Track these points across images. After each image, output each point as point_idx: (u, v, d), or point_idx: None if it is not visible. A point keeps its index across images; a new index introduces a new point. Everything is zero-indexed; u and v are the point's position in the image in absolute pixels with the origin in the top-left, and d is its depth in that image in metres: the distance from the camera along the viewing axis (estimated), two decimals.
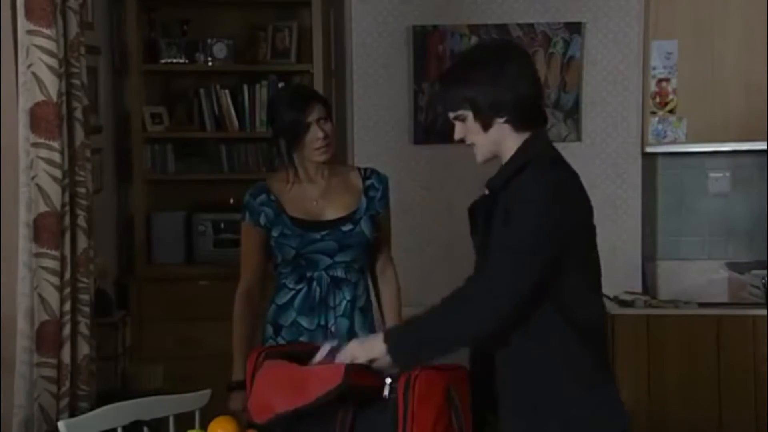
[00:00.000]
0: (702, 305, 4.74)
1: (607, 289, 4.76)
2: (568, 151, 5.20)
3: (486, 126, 2.58)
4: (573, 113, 5.30)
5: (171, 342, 5.12)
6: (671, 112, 5.24)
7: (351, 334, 3.35)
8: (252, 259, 3.44)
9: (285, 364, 2.64)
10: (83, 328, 3.51)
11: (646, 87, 5.24)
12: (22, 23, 3.27)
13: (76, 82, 3.48)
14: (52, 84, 3.28)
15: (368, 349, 2.53)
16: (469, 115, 2.58)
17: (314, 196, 3.42)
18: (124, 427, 2.96)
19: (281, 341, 3.37)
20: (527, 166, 2.54)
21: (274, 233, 3.38)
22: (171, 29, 5.41)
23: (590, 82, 5.29)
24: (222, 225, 5.24)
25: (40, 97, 3.28)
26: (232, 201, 5.24)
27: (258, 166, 5.30)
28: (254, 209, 3.40)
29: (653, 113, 5.25)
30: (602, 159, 5.31)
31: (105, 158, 5.05)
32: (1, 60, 3.48)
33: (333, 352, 2.57)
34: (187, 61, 5.27)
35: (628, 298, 4.79)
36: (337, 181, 3.45)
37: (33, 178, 3.30)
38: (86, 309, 3.53)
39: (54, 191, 3.31)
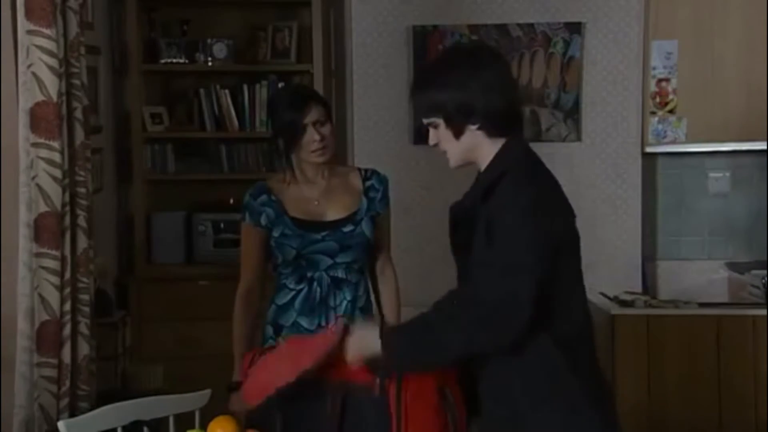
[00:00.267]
0: (702, 305, 4.74)
1: (607, 289, 4.82)
2: (568, 151, 5.31)
3: (458, 133, 2.51)
4: (573, 113, 5.30)
5: (171, 342, 5.13)
6: (671, 112, 5.24)
7: None
8: (252, 260, 3.43)
9: (280, 345, 2.65)
10: (83, 328, 3.51)
11: (646, 87, 5.24)
12: (22, 23, 3.27)
13: (76, 82, 3.48)
14: (52, 84, 3.28)
15: (364, 348, 2.50)
16: (441, 121, 2.52)
17: (315, 196, 3.42)
18: (124, 427, 2.95)
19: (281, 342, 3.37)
20: (505, 175, 2.47)
21: (275, 234, 3.37)
22: (171, 29, 5.41)
23: (590, 82, 5.29)
24: (222, 225, 5.24)
25: (40, 97, 3.28)
26: (232, 201, 5.24)
27: (258, 166, 5.30)
28: (255, 209, 3.40)
29: (653, 113, 5.25)
30: (602, 159, 5.31)
31: (105, 158, 5.05)
32: (1, 60, 3.48)
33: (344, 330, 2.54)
34: (187, 61, 5.27)
35: (628, 298, 4.79)
36: (337, 181, 3.45)
37: (33, 178, 3.30)
38: (86, 309, 3.53)
39: (54, 191, 3.31)
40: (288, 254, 3.36)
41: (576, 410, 2.45)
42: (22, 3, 3.26)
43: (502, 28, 5.27)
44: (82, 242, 3.50)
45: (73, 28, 3.45)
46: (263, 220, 3.39)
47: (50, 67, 3.27)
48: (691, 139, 5.24)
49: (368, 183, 3.46)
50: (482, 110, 2.48)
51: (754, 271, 5.09)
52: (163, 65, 5.29)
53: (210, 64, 5.26)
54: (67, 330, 3.40)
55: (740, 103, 5.16)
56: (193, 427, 2.95)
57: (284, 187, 3.42)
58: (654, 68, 5.23)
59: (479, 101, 2.47)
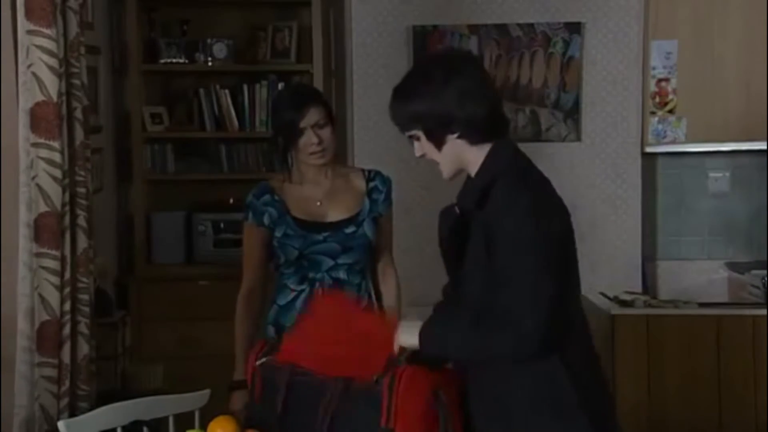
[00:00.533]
0: (702, 305, 4.73)
1: (607, 289, 4.81)
2: (568, 151, 5.31)
3: (439, 144, 2.48)
4: (573, 113, 5.30)
5: (171, 342, 5.12)
6: (671, 112, 5.25)
7: None
8: (254, 259, 3.43)
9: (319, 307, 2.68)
10: (83, 328, 3.52)
11: (645, 87, 5.25)
12: (22, 23, 3.27)
13: (76, 82, 3.48)
14: (52, 84, 3.28)
15: (405, 339, 2.51)
16: (421, 134, 2.50)
17: (318, 197, 3.41)
18: (123, 427, 2.96)
19: None
20: (497, 180, 2.43)
21: (277, 234, 3.37)
22: (171, 29, 5.41)
23: (590, 82, 5.29)
24: (222, 225, 5.24)
25: (40, 97, 3.28)
26: (231, 201, 5.24)
27: (258, 166, 5.30)
28: (257, 209, 3.39)
29: (653, 113, 5.25)
30: (602, 159, 5.31)
31: (105, 158, 5.05)
32: (1, 60, 3.48)
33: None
34: (186, 61, 5.27)
35: (628, 298, 4.78)
36: (340, 182, 3.44)
37: (33, 178, 3.30)
38: (86, 309, 3.53)
39: (54, 191, 3.31)
40: (290, 254, 3.35)
41: (573, 425, 2.42)
42: (22, 3, 3.26)
43: (502, 28, 5.27)
44: (82, 242, 3.50)
45: (73, 28, 3.45)
46: (266, 220, 3.38)
47: (50, 67, 3.27)
48: (690, 139, 5.24)
49: (371, 184, 3.45)
50: (460, 119, 2.44)
51: (753, 271, 5.09)
52: (162, 65, 5.29)
53: (210, 64, 5.26)
54: (67, 330, 3.40)
55: (740, 103, 5.16)
56: (192, 427, 2.95)
57: (287, 187, 3.41)
58: (654, 68, 5.23)
59: (456, 110, 2.44)
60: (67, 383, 3.40)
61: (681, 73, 5.19)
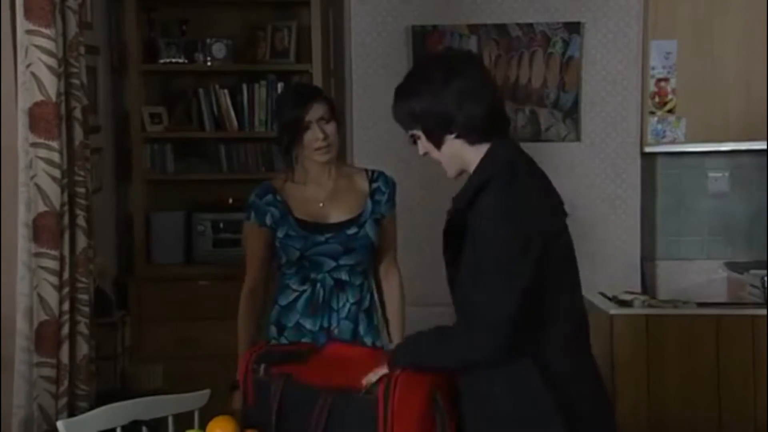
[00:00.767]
0: (701, 305, 4.73)
1: (606, 289, 4.81)
2: (568, 150, 5.31)
3: (438, 143, 2.50)
4: (572, 113, 5.30)
5: (170, 342, 5.12)
6: (670, 111, 5.25)
7: (354, 337, 3.35)
8: (256, 259, 3.42)
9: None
10: (82, 328, 3.51)
11: (645, 87, 5.25)
12: (21, 23, 3.26)
13: (76, 81, 3.48)
14: (51, 84, 3.28)
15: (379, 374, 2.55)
16: (421, 133, 2.52)
17: (320, 197, 3.40)
18: (123, 427, 2.95)
19: (284, 342, 3.37)
20: (490, 181, 2.44)
21: (279, 234, 3.36)
22: (170, 29, 5.41)
23: (589, 81, 5.30)
24: (221, 225, 5.24)
25: (39, 97, 3.27)
26: (231, 201, 5.25)
27: (257, 166, 5.30)
28: (260, 209, 3.39)
29: (652, 113, 5.25)
30: (601, 159, 5.31)
31: (104, 158, 5.05)
32: (0, 60, 3.48)
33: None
34: (186, 60, 5.27)
35: (627, 297, 4.78)
36: (343, 182, 3.43)
37: (32, 177, 3.29)
38: (85, 309, 3.52)
39: (53, 191, 3.31)
40: (292, 255, 3.35)
41: (546, 426, 2.41)
42: (21, 3, 3.25)
43: (502, 28, 5.27)
44: (82, 242, 3.50)
45: (72, 28, 3.45)
46: (268, 220, 3.38)
47: (49, 67, 3.27)
48: (690, 139, 5.24)
49: (374, 185, 3.45)
50: (458, 119, 2.46)
51: (753, 271, 5.09)
52: (162, 65, 5.29)
53: (209, 63, 5.26)
54: (66, 330, 3.39)
55: (739, 103, 5.16)
56: (192, 427, 2.95)
57: (290, 187, 3.41)
58: (653, 68, 5.23)
59: (455, 111, 2.45)
60: (66, 383, 3.40)
61: (680, 73, 5.19)
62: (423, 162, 2.60)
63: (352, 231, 3.37)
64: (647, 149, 5.27)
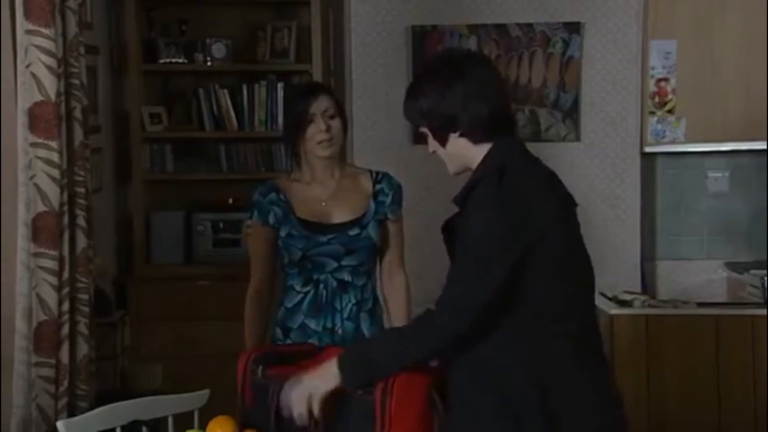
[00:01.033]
0: (701, 305, 4.73)
1: (606, 289, 4.81)
2: (567, 150, 5.31)
3: (442, 141, 2.53)
4: (572, 113, 5.30)
5: (170, 342, 5.12)
6: (670, 111, 5.24)
7: (357, 337, 3.34)
8: (261, 259, 3.41)
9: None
10: (82, 328, 3.51)
11: (645, 87, 5.24)
12: (21, 23, 3.27)
13: (75, 81, 3.48)
14: (50, 84, 3.28)
15: (326, 380, 2.50)
16: (428, 131, 2.56)
17: (323, 197, 3.39)
18: (122, 427, 2.95)
19: (289, 343, 3.36)
20: (481, 179, 2.47)
21: (282, 233, 3.35)
22: (170, 29, 5.41)
23: (589, 81, 5.29)
24: (221, 225, 5.24)
25: (39, 97, 3.27)
26: (231, 201, 5.25)
27: (257, 166, 5.30)
28: (263, 208, 3.38)
29: (652, 113, 5.24)
30: (601, 159, 5.31)
31: (104, 158, 5.05)
32: (0, 60, 3.48)
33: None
34: (186, 60, 5.28)
35: (627, 297, 4.78)
36: (347, 183, 3.42)
37: (32, 177, 3.29)
38: (85, 309, 3.52)
39: (53, 191, 3.31)
40: (294, 255, 3.34)
41: (525, 425, 2.41)
42: (21, 3, 3.25)
43: (502, 28, 5.27)
44: (81, 242, 3.50)
45: (72, 28, 3.45)
46: (271, 219, 3.37)
47: (49, 67, 3.27)
48: (690, 139, 5.24)
49: (378, 186, 3.43)
50: (463, 119, 2.48)
51: (753, 271, 5.08)
52: (162, 65, 5.29)
53: (209, 63, 5.26)
54: (65, 330, 3.39)
55: (739, 103, 5.15)
56: (192, 427, 2.95)
57: (293, 186, 3.40)
58: (653, 68, 5.23)
59: (459, 110, 2.48)
60: (66, 383, 3.40)
61: (680, 73, 5.19)
62: (423, 162, 2.61)
63: (354, 232, 3.36)
64: (647, 149, 5.27)
